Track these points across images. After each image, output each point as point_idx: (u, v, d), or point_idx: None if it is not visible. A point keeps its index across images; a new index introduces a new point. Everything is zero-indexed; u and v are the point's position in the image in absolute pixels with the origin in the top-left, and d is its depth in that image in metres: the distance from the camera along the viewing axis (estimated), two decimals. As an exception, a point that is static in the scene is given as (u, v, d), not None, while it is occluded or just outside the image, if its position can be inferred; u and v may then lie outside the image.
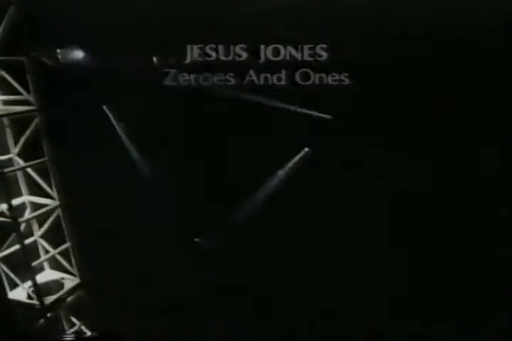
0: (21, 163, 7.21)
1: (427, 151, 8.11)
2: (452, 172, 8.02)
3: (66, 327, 8.41)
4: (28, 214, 7.48)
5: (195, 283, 8.92)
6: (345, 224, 8.35)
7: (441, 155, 8.09)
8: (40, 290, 7.34)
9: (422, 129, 7.96)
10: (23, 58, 6.47)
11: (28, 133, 6.97)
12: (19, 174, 7.53)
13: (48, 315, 7.59)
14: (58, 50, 9.11)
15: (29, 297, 7.39)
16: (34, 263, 7.64)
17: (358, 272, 8.41)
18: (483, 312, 7.74)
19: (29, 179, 7.56)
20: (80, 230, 7.76)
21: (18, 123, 7.11)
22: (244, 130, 8.62)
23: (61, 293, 7.71)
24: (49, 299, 7.54)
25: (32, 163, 7.12)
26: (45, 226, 7.78)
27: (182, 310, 8.89)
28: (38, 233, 7.97)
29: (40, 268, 8.22)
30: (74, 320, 8.30)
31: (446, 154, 8.07)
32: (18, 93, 6.76)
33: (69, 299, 7.92)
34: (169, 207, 8.83)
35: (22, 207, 7.68)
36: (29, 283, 7.37)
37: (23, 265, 7.07)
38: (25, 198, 7.73)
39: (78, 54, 9.05)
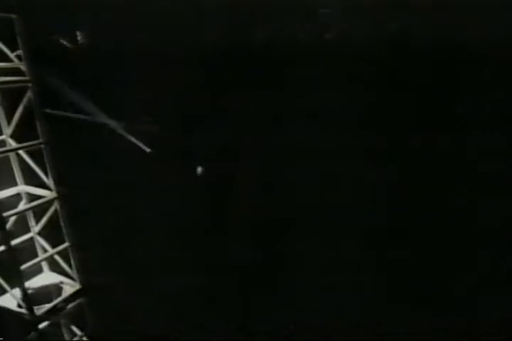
0: (14, 145, 6.11)
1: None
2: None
3: (66, 337, 7.38)
4: (21, 207, 6.39)
5: (199, 284, 7.95)
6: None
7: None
8: (32, 297, 6.25)
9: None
10: (13, 16, 5.30)
11: (20, 109, 5.83)
12: (13, 160, 6.45)
13: (43, 324, 6.52)
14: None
15: (19, 305, 6.27)
16: (29, 264, 6.57)
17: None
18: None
19: (27, 168, 6.49)
20: (79, 227, 6.59)
21: (11, 100, 6.02)
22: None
23: (57, 301, 6.59)
24: (44, 307, 6.45)
25: (24, 144, 5.99)
26: (42, 221, 6.68)
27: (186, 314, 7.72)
28: (35, 229, 6.88)
29: (39, 270, 7.17)
30: (75, 329, 7.24)
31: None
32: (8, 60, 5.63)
33: (68, 307, 6.81)
34: (174, 204, 7.70)
35: (17, 199, 6.63)
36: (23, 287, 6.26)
37: (10, 267, 5.93)
38: (21, 188, 6.64)
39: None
